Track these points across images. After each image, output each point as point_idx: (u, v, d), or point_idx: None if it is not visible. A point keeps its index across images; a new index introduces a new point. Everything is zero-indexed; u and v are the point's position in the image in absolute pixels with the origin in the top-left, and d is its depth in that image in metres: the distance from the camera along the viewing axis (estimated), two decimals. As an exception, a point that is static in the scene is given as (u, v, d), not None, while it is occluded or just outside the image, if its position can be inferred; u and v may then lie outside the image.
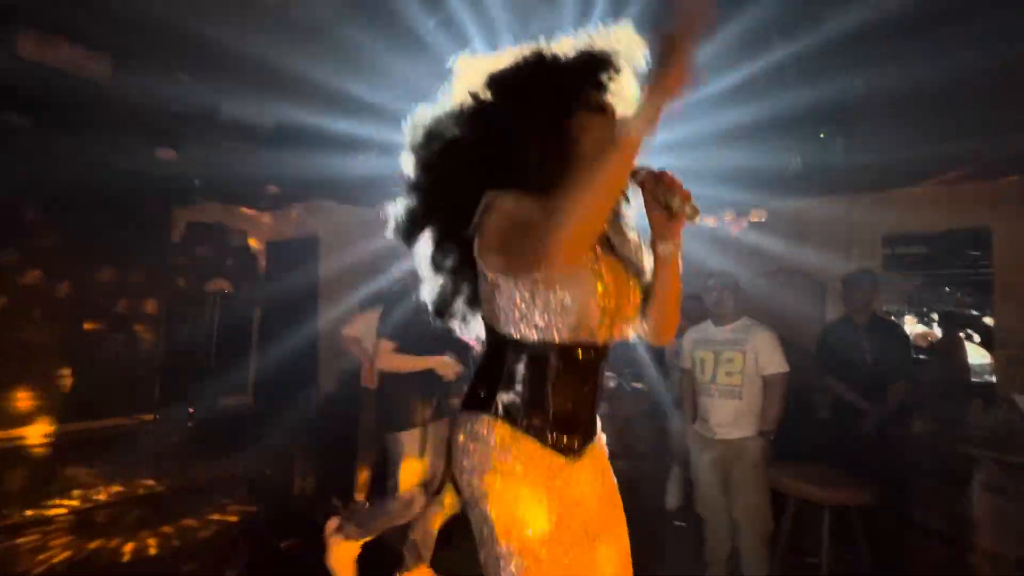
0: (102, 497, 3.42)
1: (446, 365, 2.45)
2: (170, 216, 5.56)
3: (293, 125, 3.73)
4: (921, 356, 4.52)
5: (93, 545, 2.75)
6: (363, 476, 3.28)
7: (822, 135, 3.25)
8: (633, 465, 3.32)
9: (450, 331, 1.34)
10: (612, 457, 1.26)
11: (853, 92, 2.91)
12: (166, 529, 3.00)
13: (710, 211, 4.50)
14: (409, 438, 2.41)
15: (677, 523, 3.41)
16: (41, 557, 2.62)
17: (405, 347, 2.45)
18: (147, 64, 3.04)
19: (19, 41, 2.75)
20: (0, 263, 4.45)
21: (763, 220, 4.64)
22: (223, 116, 3.39)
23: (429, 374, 2.46)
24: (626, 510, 1.20)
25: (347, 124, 3.73)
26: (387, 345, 2.47)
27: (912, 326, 4.83)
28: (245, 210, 6.04)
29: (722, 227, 4.62)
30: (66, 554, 2.66)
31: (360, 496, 3.28)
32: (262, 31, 2.71)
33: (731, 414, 2.63)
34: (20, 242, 4.52)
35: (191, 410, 5.22)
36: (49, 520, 3.05)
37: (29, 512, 3.12)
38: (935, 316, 4.90)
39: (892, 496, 2.73)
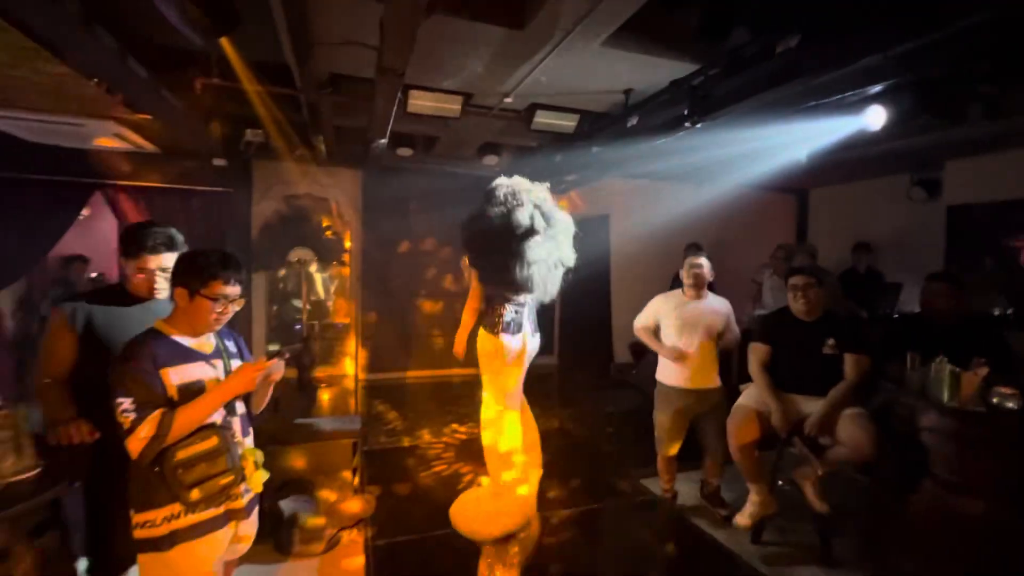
0: (461, 435, 4.46)
1: None
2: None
3: (591, 125, 4.07)
4: None
5: (466, 470, 3.68)
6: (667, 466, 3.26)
7: None
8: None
9: None
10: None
11: None
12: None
13: None
14: None
15: None
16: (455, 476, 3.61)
17: None
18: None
19: (408, 99, 3.75)
20: (396, 258, 6.24)
21: None
22: (536, 126, 3.93)
23: None
24: None
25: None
26: None
27: None
28: (546, 195, 6.82)
29: None
30: (469, 477, 3.63)
31: (667, 482, 3.28)
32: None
33: None
34: (401, 242, 6.26)
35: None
36: (449, 446, 4.18)
37: (437, 437, 4.34)
38: None
39: None
